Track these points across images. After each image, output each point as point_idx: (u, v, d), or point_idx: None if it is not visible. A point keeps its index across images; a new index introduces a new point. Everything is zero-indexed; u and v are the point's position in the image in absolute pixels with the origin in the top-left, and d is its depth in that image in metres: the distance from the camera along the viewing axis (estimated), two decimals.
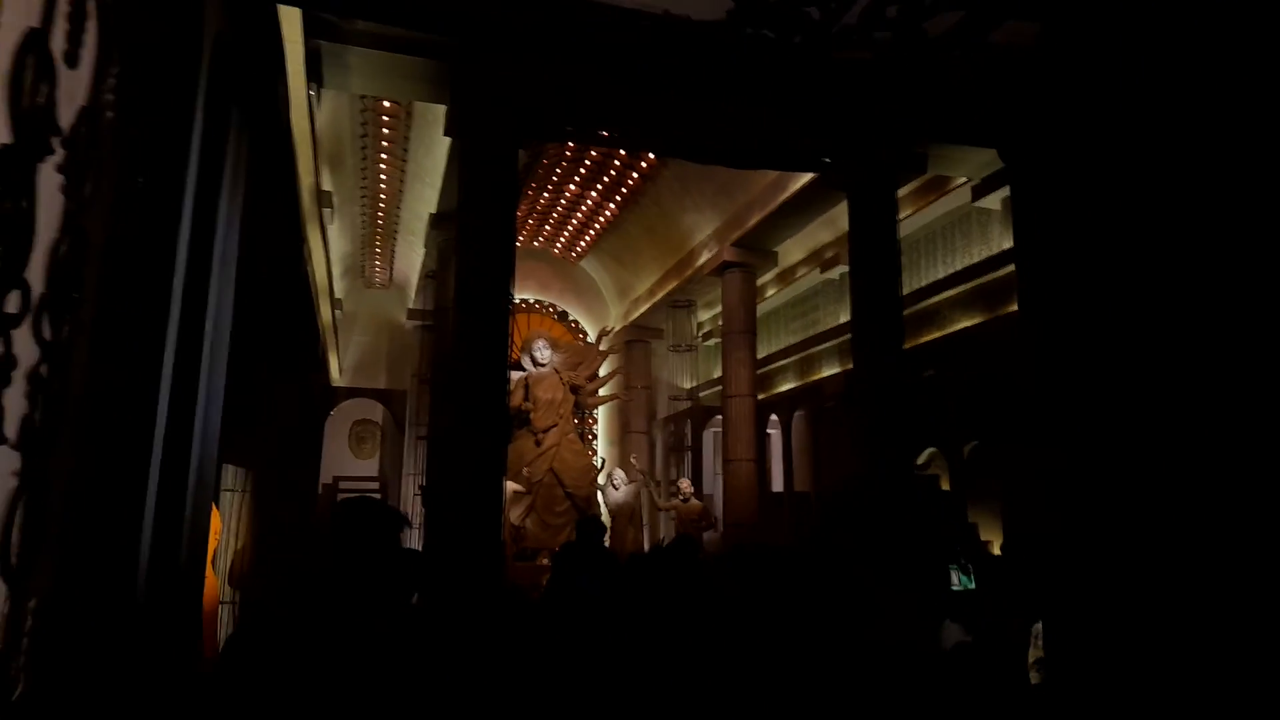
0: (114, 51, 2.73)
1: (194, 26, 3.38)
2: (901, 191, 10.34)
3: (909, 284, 11.43)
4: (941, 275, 12.58)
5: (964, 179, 11.24)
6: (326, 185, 11.01)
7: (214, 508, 6.98)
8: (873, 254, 9.76)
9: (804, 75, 9.07)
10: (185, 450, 4.04)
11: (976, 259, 11.96)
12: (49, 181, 2.33)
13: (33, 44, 2.04)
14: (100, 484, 3.01)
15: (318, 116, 8.52)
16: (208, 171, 3.88)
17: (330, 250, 12.66)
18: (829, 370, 14.97)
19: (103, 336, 2.94)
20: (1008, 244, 10.96)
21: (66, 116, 2.51)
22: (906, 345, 9.82)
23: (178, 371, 3.70)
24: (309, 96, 6.09)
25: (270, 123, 4.93)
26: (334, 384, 17.96)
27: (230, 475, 7.75)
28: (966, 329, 11.79)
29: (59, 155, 2.48)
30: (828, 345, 14.94)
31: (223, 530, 7.16)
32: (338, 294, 15.94)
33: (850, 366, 13.99)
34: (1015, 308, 10.54)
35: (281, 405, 9.70)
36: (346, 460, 18.74)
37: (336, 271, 15.32)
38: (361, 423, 19.14)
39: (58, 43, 2.26)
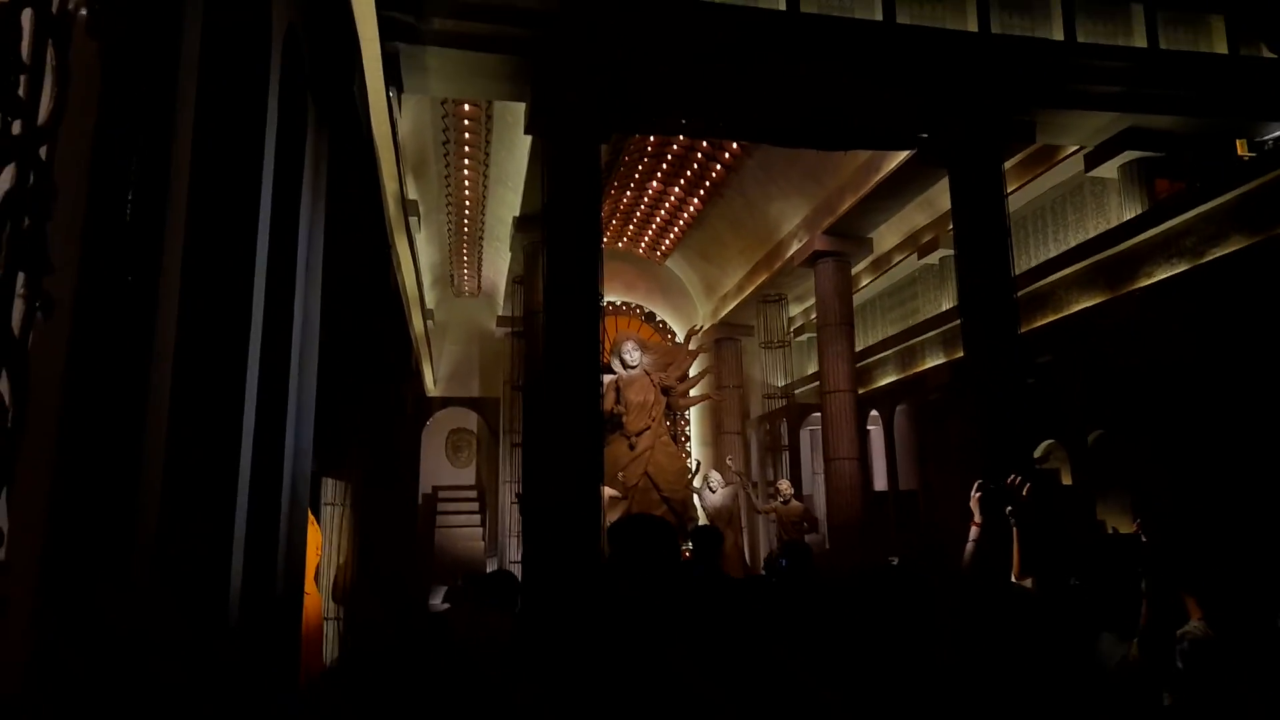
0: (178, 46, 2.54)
1: (263, 18, 3.21)
2: (1004, 165, 9.66)
3: (1017, 265, 10.71)
4: (1053, 253, 11.76)
5: (1075, 147, 10.45)
6: (412, 194, 11.03)
7: (314, 522, 6.94)
8: (979, 233, 9.13)
9: (897, 45, 8.56)
10: (277, 465, 3.89)
11: (1092, 233, 11.11)
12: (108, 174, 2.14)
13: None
14: (187, 504, 2.84)
15: (400, 124, 8.47)
16: (286, 169, 3.71)
17: (419, 260, 12.73)
18: (932, 361, 14.24)
19: (183, 344, 2.77)
20: (1128, 214, 10.11)
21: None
22: (1020, 330, 9.17)
23: (265, 381, 3.54)
24: (389, 99, 5.96)
25: (350, 122, 4.78)
26: (429, 394, 18.15)
27: (329, 488, 7.73)
28: (1085, 310, 10.96)
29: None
30: (930, 335, 14.21)
31: (324, 545, 7.13)
32: (428, 304, 16.08)
33: (956, 356, 13.32)
34: (1139, 285, 9.71)
35: (378, 416, 9.71)
36: (444, 470, 18.93)
37: (426, 281, 15.45)
38: (457, 431, 19.31)
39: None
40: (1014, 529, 3.81)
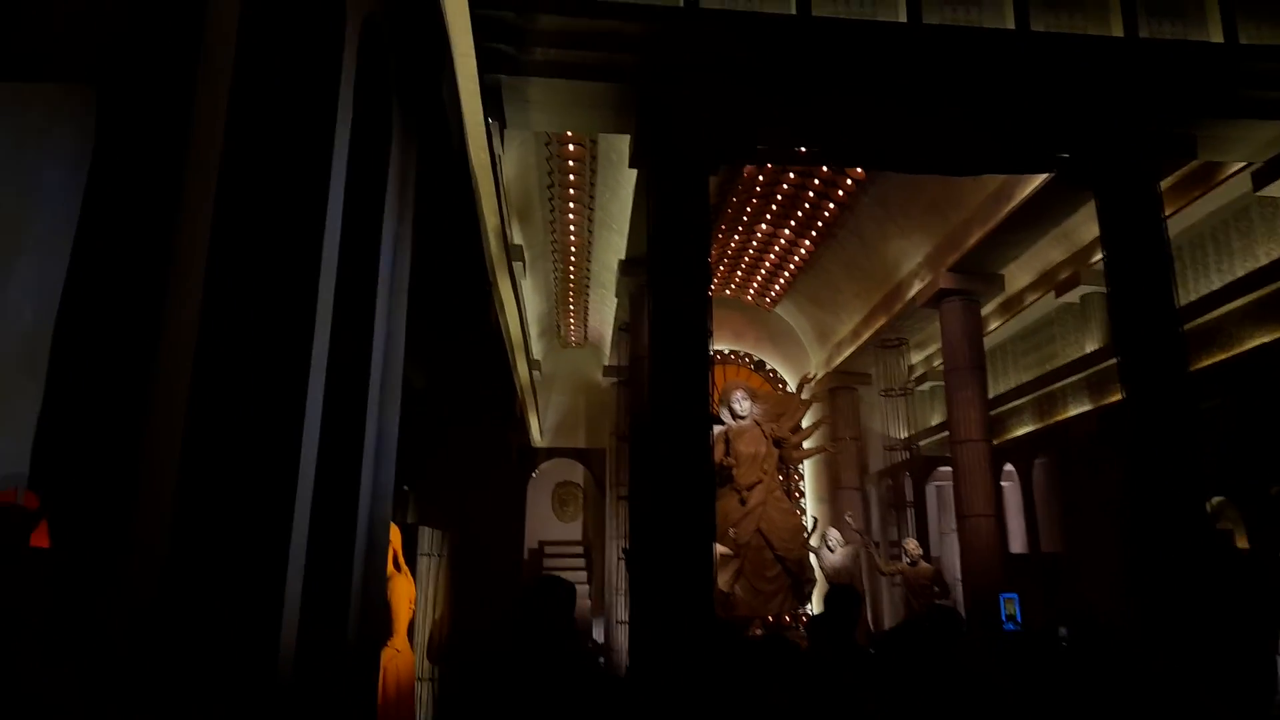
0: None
1: (335, 4, 2.86)
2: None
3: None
4: (1216, 285, 10.51)
5: (1241, 163, 9.32)
6: (517, 239, 10.88)
7: (408, 573, 6.55)
8: (1135, 262, 8.15)
9: (1032, 55, 7.82)
10: (350, 507, 3.47)
11: (1263, 260, 9.86)
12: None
13: None
14: (224, 545, 2.41)
15: (504, 164, 8.28)
16: (366, 178, 3.36)
17: (525, 309, 12.56)
18: (1076, 409, 12.97)
19: (224, 363, 2.36)
20: None
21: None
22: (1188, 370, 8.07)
23: (334, 411, 3.13)
24: (488, 127, 5.69)
25: (440, 134, 4.46)
26: (534, 445, 17.93)
27: (427, 538, 7.36)
28: (1260, 346, 9.66)
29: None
30: (1072, 380, 12.97)
31: (418, 598, 6.72)
32: (535, 355, 15.93)
33: (1104, 403, 12.05)
34: None
35: (481, 464, 9.39)
36: (551, 524, 18.56)
37: (533, 332, 15.32)
38: (564, 484, 18.97)
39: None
40: None
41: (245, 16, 2.21)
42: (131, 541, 1.82)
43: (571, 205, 11.41)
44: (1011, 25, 7.76)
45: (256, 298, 2.44)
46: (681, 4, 7.36)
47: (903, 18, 7.62)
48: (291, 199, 2.65)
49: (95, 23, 2.27)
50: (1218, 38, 8.10)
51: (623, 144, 8.47)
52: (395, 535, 6.09)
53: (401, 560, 6.35)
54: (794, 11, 7.50)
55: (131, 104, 2.08)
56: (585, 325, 17.16)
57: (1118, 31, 7.90)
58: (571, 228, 12.11)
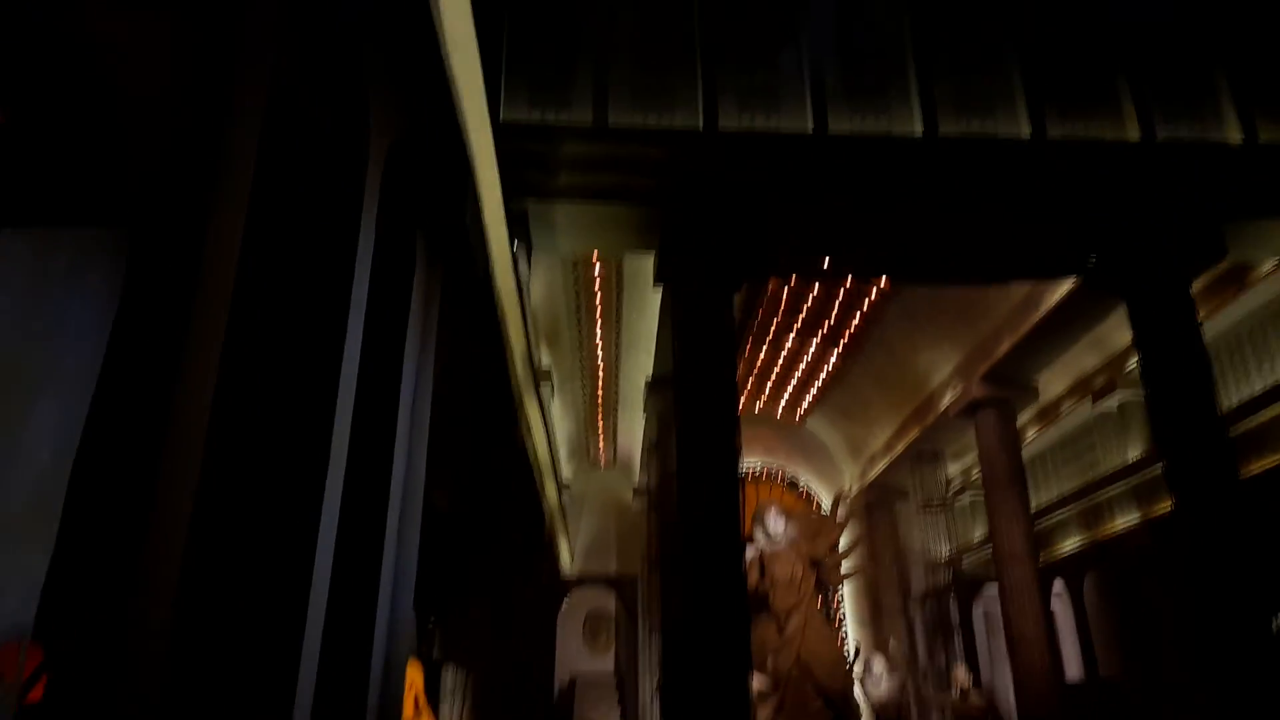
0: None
1: (358, 132, 2.90)
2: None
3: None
4: (1259, 388, 10.20)
5: (1271, 264, 9.20)
6: (545, 362, 10.91)
7: (430, 713, 6.19)
8: (1172, 366, 7.92)
9: (1050, 162, 7.88)
10: (364, 645, 3.27)
11: None
12: None
13: None
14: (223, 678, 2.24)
15: (532, 287, 8.37)
16: (388, 303, 3.33)
17: (554, 431, 12.47)
18: (1125, 521, 12.42)
19: (231, 491, 2.25)
20: None
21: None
22: (1238, 478, 7.70)
23: (349, 540, 2.98)
24: (513, 253, 5.75)
25: (465, 260, 4.48)
26: (564, 572, 17.44)
27: (450, 677, 7.01)
28: None
29: None
30: (1118, 489, 12.48)
31: None
32: (565, 476, 15.73)
33: (1156, 513, 11.54)
34: None
35: (510, 594, 9.06)
36: (583, 655, 17.81)
37: (562, 454, 15.17)
38: (595, 614, 18.32)
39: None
40: None
41: (264, 148, 2.22)
42: (130, 694, 1.69)
43: (599, 326, 11.49)
44: (1027, 134, 7.86)
45: (269, 434, 2.35)
46: (701, 127, 7.56)
47: (918, 130, 7.76)
48: (310, 330, 2.59)
49: (125, 167, 2.30)
50: (1236, 138, 8.12)
51: (648, 263, 8.57)
52: (417, 673, 5.79)
53: (424, 701, 6.01)
54: (810, 129, 7.67)
55: (160, 242, 2.06)
56: (615, 445, 17.00)
57: (1134, 135, 7.97)
58: (599, 348, 12.17)
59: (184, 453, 1.95)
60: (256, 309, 2.18)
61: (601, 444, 16.89)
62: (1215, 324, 10.21)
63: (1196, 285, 9.27)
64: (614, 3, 8.12)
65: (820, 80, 7.91)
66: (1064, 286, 9.51)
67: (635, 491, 17.08)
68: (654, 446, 12.63)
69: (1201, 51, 8.44)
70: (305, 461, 2.47)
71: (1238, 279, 9.78)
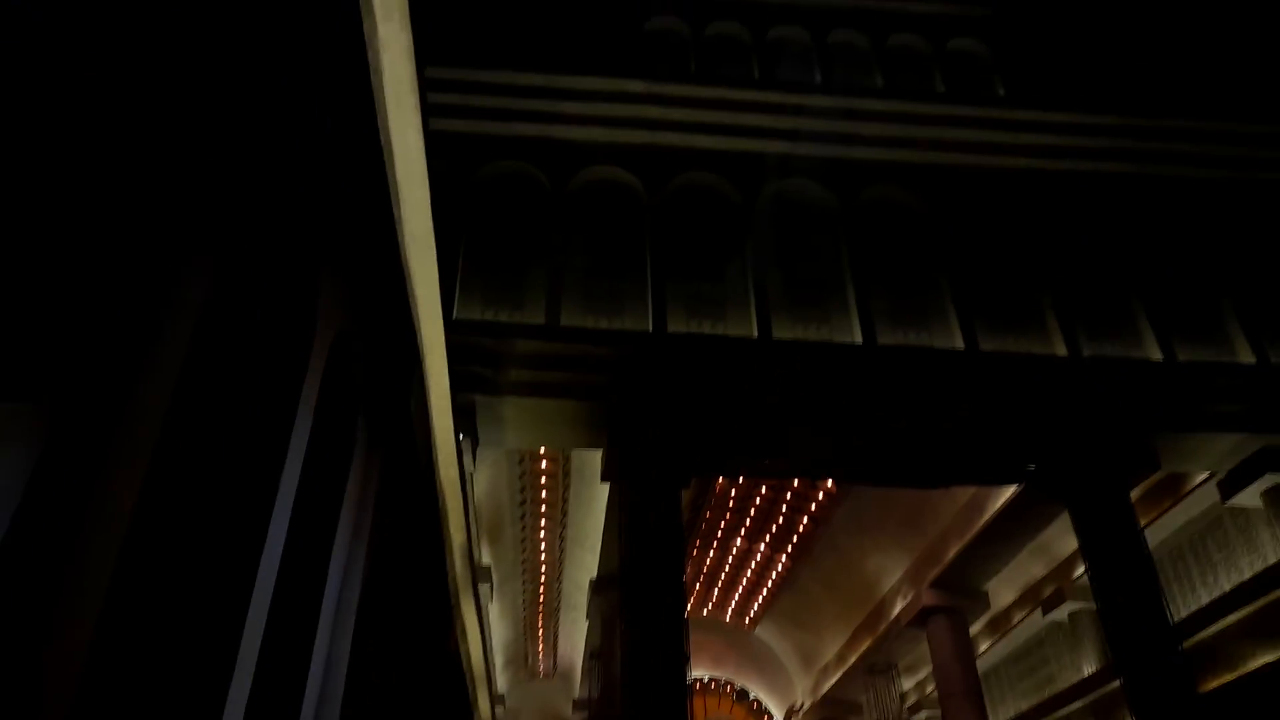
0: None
1: (305, 320, 2.90)
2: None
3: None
4: (1205, 600, 10.18)
5: (1205, 474, 9.47)
6: (485, 559, 10.49)
7: None
8: (1119, 575, 7.89)
9: (985, 372, 8.22)
10: None
11: (1247, 573, 9.65)
12: None
13: None
14: None
15: (476, 482, 8.21)
16: (321, 487, 3.20)
17: (490, 635, 11.79)
18: None
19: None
20: None
21: None
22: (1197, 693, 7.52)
23: None
24: (459, 444, 5.67)
25: (407, 448, 4.37)
26: None
27: None
28: (1268, 666, 9.12)
29: None
30: (1076, 707, 12.03)
31: None
32: (500, 688, 14.70)
33: None
34: None
35: None
36: None
37: (499, 662, 14.28)
38: None
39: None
40: None
41: (200, 333, 2.19)
42: None
43: (543, 522, 11.22)
44: (961, 345, 8.25)
45: (169, 626, 2.15)
46: (650, 329, 7.80)
47: (858, 339, 8.11)
48: (232, 513, 2.45)
49: (45, 341, 2.23)
50: (1156, 355, 8.59)
51: (595, 459, 8.51)
52: None
53: None
54: (755, 334, 7.96)
55: (76, 422, 1.96)
56: (555, 653, 16.10)
57: (1061, 351, 8.41)
58: (543, 546, 11.80)
59: (66, 659, 1.77)
60: (172, 487, 2.06)
61: (541, 651, 16.00)
62: (1155, 533, 10.34)
63: (1135, 494, 9.50)
64: (570, 213, 8.61)
65: (763, 290, 8.32)
66: (1008, 491, 9.64)
67: (575, 705, 15.98)
68: (596, 654, 11.98)
69: (1120, 276, 9.10)
70: (208, 662, 2.25)
71: (1174, 489, 10.02)
